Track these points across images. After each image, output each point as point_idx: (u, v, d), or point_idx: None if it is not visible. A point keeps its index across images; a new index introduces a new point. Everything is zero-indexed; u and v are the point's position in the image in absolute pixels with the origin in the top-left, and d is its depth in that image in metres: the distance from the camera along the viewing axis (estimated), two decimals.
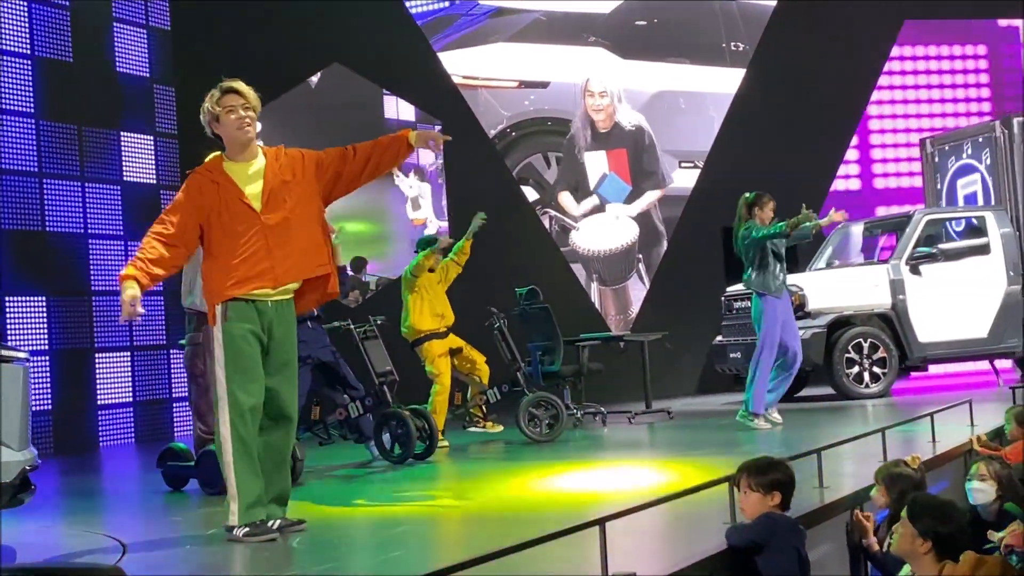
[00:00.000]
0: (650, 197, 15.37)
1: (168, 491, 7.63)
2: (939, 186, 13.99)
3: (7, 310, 11.28)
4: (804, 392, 12.63)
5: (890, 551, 4.45)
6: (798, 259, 14.72)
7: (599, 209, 15.26)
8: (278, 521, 5.34)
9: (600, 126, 15.35)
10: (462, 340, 9.98)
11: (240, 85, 5.38)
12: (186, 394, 8.46)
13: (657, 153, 15.43)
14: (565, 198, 15.18)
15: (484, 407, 10.10)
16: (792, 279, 12.29)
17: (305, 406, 9.61)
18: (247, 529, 5.23)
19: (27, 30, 11.78)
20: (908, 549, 4.11)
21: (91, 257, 12.10)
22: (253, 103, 5.38)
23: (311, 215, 5.45)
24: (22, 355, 5.47)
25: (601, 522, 4.09)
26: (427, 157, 14.70)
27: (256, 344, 5.27)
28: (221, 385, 5.20)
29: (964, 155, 13.62)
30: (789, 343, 9.56)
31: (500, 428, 9.98)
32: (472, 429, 10.29)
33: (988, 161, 13.18)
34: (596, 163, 15.30)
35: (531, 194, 15.12)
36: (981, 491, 5.07)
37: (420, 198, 14.67)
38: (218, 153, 5.48)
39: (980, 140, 13.35)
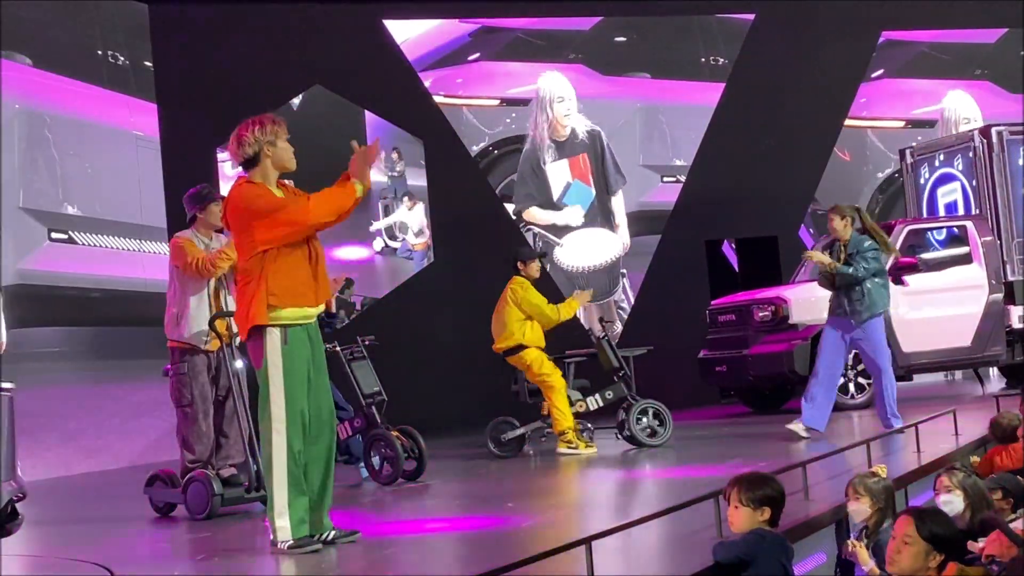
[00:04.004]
0: (619, 204, 15.43)
1: (155, 517, 7.61)
2: (920, 196, 14.06)
3: None
4: (789, 404, 12.63)
5: (889, 570, 4.30)
6: (782, 270, 14.79)
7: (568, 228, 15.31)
8: (331, 532, 5.55)
9: (558, 135, 15.37)
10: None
11: None
12: None
13: (613, 155, 15.44)
14: (536, 212, 15.16)
15: (579, 424, 9.84)
16: (775, 291, 12.34)
17: None
18: (291, 542, 5.37)
19: None
20: (920, 565, 4.00)
21: None
22: None
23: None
24: (6, 385, 5.47)
25: (588, 541, 4.11)
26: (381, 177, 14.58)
27: (306, 367, 5.48)
28: (277, 406, 5.37)
29: (944, 165, 13.69)
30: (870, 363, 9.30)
31: (594, 449, 9.71)
32: (564, 451, 9.80)
33: (968, 171, 13.25)
34: (559, 173, 15.32)
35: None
36: (949, 503, 5.06)
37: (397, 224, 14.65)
38: (245, 176, 5.62)
39: (960, 149, 13.42)
